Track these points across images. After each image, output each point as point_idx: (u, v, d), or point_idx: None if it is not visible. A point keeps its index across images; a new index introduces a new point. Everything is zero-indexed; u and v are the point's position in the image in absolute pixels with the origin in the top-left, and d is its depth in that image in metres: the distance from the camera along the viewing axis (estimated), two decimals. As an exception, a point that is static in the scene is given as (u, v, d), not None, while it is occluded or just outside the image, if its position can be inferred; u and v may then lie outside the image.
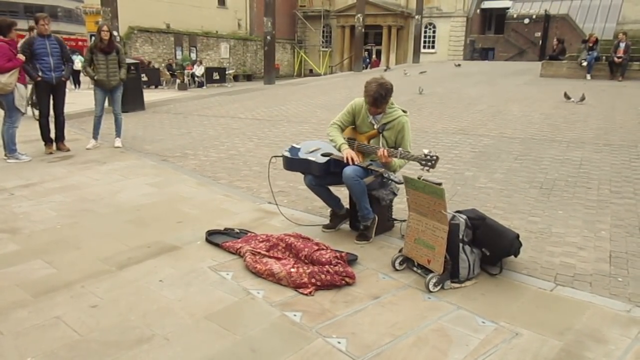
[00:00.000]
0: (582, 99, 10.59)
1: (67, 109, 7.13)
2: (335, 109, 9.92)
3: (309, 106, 11.27)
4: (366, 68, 25.12)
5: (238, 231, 3.85)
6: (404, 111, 3.80)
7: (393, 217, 4.02)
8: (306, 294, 2.95)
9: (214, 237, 3.76)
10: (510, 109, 10.05)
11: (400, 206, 4.34)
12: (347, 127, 3.90)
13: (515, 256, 3.24)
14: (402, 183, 3.33)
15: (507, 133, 7.75)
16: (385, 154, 3.49)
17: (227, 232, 3.85)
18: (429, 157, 3.32)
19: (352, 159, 3.61)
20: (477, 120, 8.94)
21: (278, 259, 3.32)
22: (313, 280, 3.02)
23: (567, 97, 10.80)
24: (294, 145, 4.12)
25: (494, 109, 10.21)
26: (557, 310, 2.80)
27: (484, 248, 3.14)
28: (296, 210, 4.46)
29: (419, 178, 3.10)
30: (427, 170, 3.31)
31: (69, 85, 11.34)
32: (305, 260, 3.25)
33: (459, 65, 22.48)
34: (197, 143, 7.53)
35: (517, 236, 3.19)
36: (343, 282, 3.05)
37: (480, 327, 2.64)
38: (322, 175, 3.78)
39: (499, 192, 4.90)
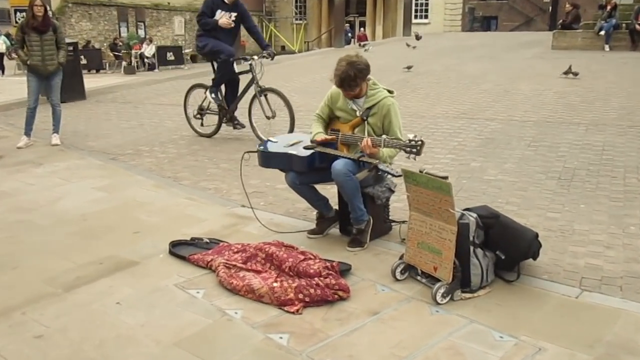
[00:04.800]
0: (574, 73, 10.93)
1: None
2: (315, 93, 9.93)
3: (283, 90, 11.23)
4: (349, 43, 25.17)
5: (207, 241, 3.85)
6: (389, 92, 3.85)
7: (390, 218, 4.06)
8: (293, 312, 2.96)
9: (179, 249, 3.75)
10: (519, 88, 10.20)
11: (397, 205, 4.38)
12: (328, 119, 3.97)
13: (534, 259, 3.31)
14: (400, 176, 3.37)
15: (517, 116, 7.88)
16: (369, 143, 3.53)
17: (195, 243, 3.84)
18: (413, 142, 3.38)
19: (325, 139, 3.75)
20: (482, 102, 9.05)
21: (257, 272, 3.32)
22: (300, 296, 3.04)
23: (569, 72, 11.02)
24: (270, 138, 4.14)
25: (501, 88, 10.35)
26: (584, 320, 2.86)
27: (499, 251, 3.19)
28: (275, 214, 4.47)
29: (421, 171, 3.13)
30: (414, 158, 3.39)
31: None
32: (290, 273, 3.26)
33: (419, 38, 21.12)
34: (152, 137, 7.48)
35: (536, 235, 3.26)
36: (335, 296, 3.07)
37: (497, 342, 2.69)
38: (306, 172, 3.80)
39: (511, 185, 4.98)
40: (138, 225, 4.30)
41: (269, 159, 3.94)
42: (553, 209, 4.40)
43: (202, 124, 7.42)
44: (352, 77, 3.63)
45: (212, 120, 7.27)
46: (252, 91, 6.80)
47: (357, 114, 3.79)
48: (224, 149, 6.73)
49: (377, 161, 3.53)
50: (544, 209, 4.42)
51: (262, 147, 3.97)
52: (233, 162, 6.03)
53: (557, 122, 7.41)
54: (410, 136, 3.44)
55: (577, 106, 8.41)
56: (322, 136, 3.82)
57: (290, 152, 3.80)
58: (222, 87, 7.14)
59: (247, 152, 4.09)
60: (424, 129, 7.21)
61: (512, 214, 3.98)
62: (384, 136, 3.58)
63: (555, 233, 3.94)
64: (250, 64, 6.73)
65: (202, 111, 7.34)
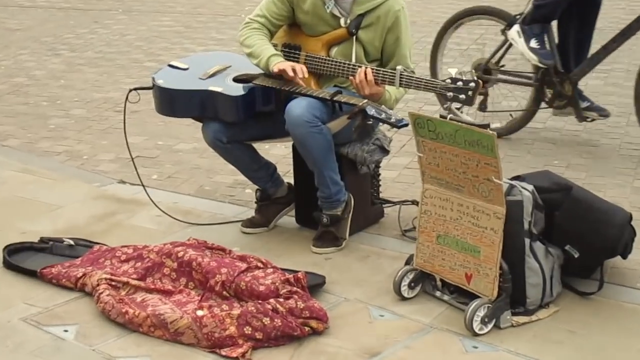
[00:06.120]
0: None
1: None
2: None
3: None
4: None
5: (71, 243, 3.86)
6: None
7: (381, 196, 4.17)
8: (236, 358, 3.01)
9: (20, 259, 3.75)
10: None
11: (389, 174, 4.47)
12: (279, 28, 3.97)
13: (624, 257, 3.45)
14: (405, 125, 3.40)
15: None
16: (370, 76, 3.58)
17: (48, 247, 3.84)
18: (461, 81, 3.39)
19: (295, 71, 3.66)
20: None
21: (167, 292, 3.36)
22: (248, 330, 3.07)
23: None
24: (174, 63, 4.10)
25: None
26: None
27: (570, 245, 3.31)
28: (181, 194, 4.53)
29: (443, 117, 3.19)
30: (459, 109, 3.41)
31: None
32: (225, 292, 3.30)
33: None
34: None
35: (630, 218, 3.39)
36: (306, 329, 3.13)
37: (577, 393, 2.85)
38: (241, 122, 3.82)
39: (571, 138, 5.20)
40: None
41: (173, 101, 3.95)
42: (643, 174, 4.62)
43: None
44: None
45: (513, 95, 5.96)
46: None
47: (342, 22, 3.81)
48: (73, 82, 6.64)
49: (365, 101, 3.54)
50: (627, 174, 4.62)
51: (160, 81, 3.94)
52: (92, 105, 5.98)
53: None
54: (452, 72, 3.43)
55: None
56: (284, 63, 3.70)
57: (212, 88, 3.79)
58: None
59: (135, 89, 4.05)
60: (418, 43, 7.27)
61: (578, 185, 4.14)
62: (399, 67, 3.58)
63: (649, 214, 4.12)
64: None
65: (488, 75, 5.63)
